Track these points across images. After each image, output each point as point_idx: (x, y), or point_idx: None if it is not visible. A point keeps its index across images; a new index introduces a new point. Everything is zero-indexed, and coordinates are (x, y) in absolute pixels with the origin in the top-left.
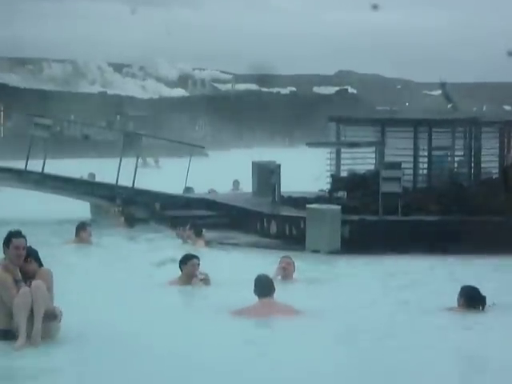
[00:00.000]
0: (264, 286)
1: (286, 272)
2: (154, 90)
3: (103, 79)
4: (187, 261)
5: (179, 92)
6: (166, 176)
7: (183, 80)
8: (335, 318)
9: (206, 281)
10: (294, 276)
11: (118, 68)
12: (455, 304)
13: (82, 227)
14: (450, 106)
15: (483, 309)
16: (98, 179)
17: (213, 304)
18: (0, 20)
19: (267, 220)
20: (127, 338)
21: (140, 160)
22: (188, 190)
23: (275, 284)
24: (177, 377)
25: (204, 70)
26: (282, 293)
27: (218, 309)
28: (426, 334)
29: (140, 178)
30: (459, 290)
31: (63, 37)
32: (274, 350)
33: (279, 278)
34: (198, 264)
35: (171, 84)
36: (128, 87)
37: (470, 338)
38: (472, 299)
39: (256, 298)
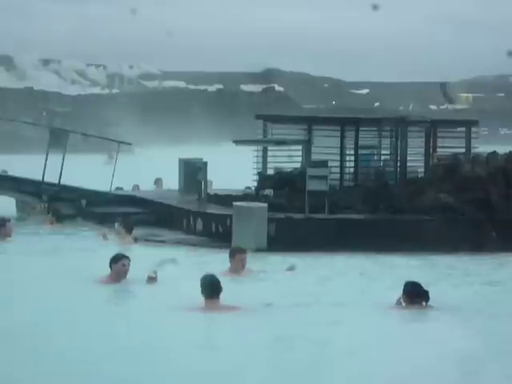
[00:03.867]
0: (211, 287)
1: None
2: (80, 86)
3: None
4: (118, 260)
5: (106, 88)
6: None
7: (110, 77)
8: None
9: (154, 279)
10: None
11: (45, 63)
12: (392, 301)
13: (1, 223)
14: (449, 105)
15: (426, 304)
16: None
17: (155, 302)
18: None
19: (193, 217)
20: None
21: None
22: (118, 189)
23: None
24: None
25: (131, 67)
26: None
27: (162, 307)
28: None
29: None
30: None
31: None
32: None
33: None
34: (129, 263)
35: (98, 80)
36: (53, 83)
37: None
38: (415, 295)
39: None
